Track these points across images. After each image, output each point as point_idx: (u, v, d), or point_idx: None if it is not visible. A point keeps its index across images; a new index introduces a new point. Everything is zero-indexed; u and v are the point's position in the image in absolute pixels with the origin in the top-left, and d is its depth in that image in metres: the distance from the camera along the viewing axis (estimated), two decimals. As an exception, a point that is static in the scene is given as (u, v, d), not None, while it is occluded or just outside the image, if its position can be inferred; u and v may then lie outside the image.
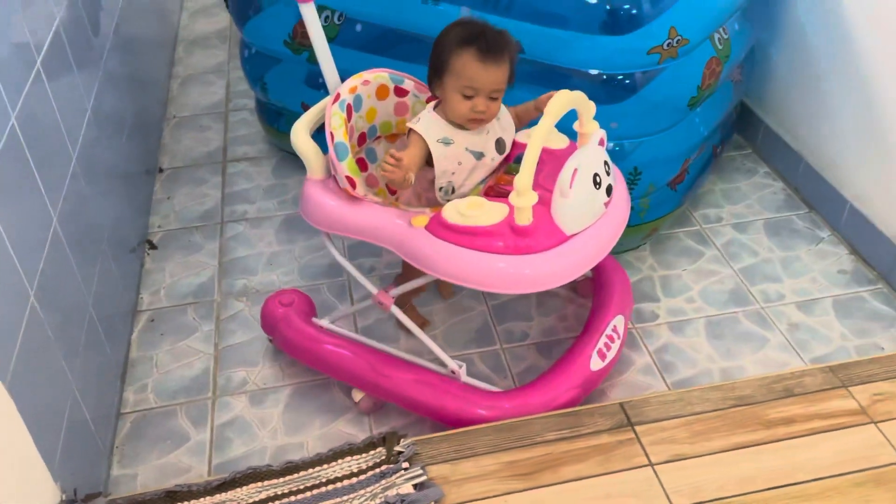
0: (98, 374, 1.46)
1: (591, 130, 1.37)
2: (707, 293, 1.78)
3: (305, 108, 1.99)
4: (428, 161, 1.37)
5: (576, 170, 1.27)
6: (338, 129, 1.36)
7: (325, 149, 1.40)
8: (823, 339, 1.66)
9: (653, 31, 1.57)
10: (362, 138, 1.50)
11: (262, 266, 1.88)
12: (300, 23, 1.84)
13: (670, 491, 1.21)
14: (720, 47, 1.73)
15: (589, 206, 1.32)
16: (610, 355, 1.49)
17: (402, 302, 1.55)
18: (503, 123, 1.43)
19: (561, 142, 1.49)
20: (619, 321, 1.53)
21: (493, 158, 1.42)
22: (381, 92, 1.49)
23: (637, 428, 1.31)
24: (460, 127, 1.37)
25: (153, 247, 1.95)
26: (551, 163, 1.40)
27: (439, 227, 1.29)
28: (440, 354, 1.44)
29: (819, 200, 1.99)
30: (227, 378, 1.61)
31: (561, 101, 1.27)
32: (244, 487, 1.21)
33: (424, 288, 1.55)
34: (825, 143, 1.95)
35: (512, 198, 1.25)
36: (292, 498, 1.20)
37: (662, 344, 1.66)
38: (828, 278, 1.80)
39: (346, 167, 1.35)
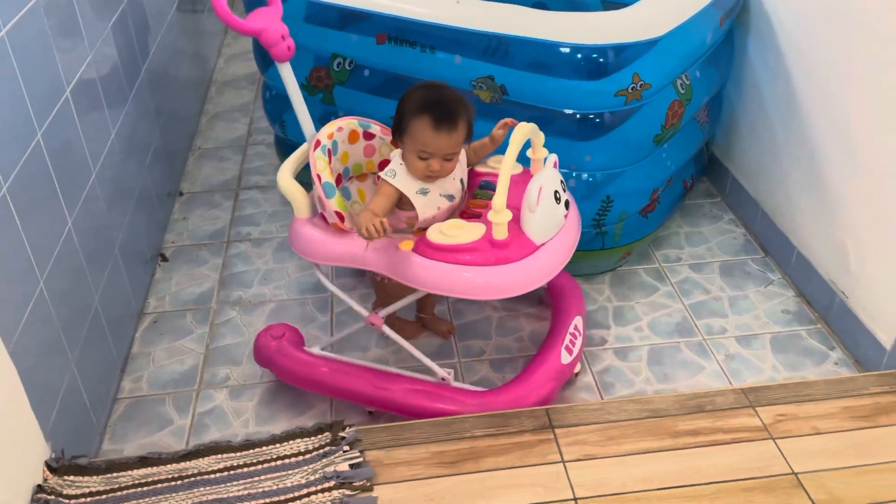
0: (99, 364, 1.68)
1: (543, 156, 1.59)
2: (655, 324, 1.93)
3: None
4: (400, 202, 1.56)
5: (541, 188, 1.47)
6: (323, 171, 1.53)
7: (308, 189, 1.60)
8: (755, 370, 1.79)
9: (619, 77, 1.78)
10: (338, 179, 1.69)
11: (257, 280, 2.11)
12: (315, 68, 2.10)
13: (576, 484, 1.36)
14: (682, 91, 1.92)
15: (552, 218, 1.52)
16: (575, 350, 1.71)
17: (387, 300, 1.68)
18: (462, 164, 1.63)
19: (515, 168, 1.69)
20: (578, 321, 1.76)
21: (460, 197, 1.62)
22: (353, 136, 1.66)
23: (557, 430, 1.47)
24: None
25: (165, 259, 2.19)
26: (512, 186, 1.61)
27: (426, 248, 1.47)
28: (429, 364, 1.63)
29: (772, 246, 2.14)
30: (213, 374, 1.82)
31: (522, 132, 1.49)
32: (206, 458, 1.40)
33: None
34: (777, 193, 2.11)
35: (490, 216, 1.45)
36: (245, 468, 1.38)
37: (605, 366, 1.81)
38: (771, 317, 1.94)
39: (335, 204, 1.51)
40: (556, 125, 1.86)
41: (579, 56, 1.78)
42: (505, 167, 1.45)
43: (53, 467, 1.35)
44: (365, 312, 1.64)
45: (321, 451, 1.41)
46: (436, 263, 1.46)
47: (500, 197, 1.43)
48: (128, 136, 2.01)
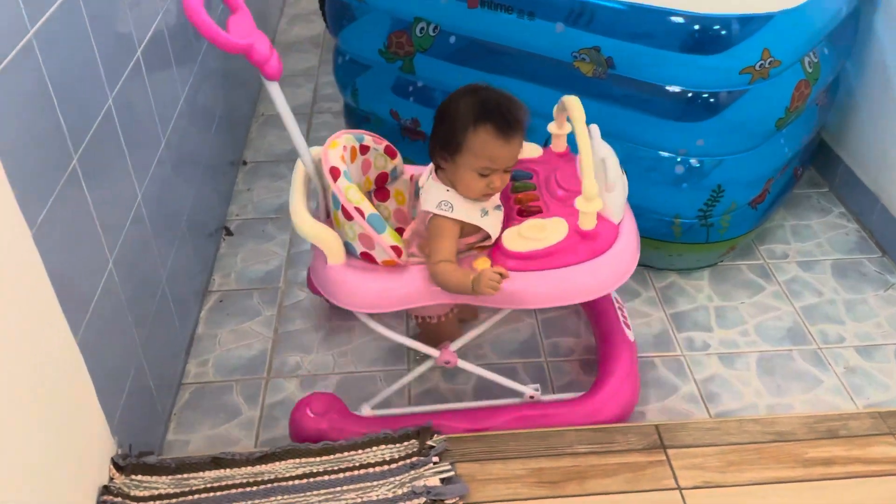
0: (165, 345, 1.57)
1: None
2: (763, 328, 1.75)
3: (394, 114, 2.11)
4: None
5: (607, 162, 1.32)
6: (363, 202, 1.27)
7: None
8: (880, 386, 1.61)
9: (745, 52, 1.58)
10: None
11: (326, 260, 1.97)
12: (395, 33, 1.94)
13: (695, 516, 1.21)
14: (810, 70, 1.72)
15: (623, 191, 1.37)
16: (630, 326, 1.62)
17: (436, 341, 1.48)
18: None
19: (534, 150, 1.53)
20: (614, 293, 1.65)
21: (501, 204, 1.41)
22: (353, 155, 1.41)
23: (669, 451, 1.31)
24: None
25: (229, 233, 2.07)
26: (544, 170, 1.47)
27: (510, 260, 1.29)
28: (515, 386, 1.49)
29: (891, 244, 1.93)
30: (282, 361, 1.69)
31: (579, 106, 1.33)
32: (282, 462, 1.28)
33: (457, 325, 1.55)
34: (903, 187, 1.90)
35: (580, 204, 1.29)
36: (325, 477, 1.26)
37: (710, 374, 1.65)
38: (894, 325, 1.75)
39: (390, 237, 1.28)
40: (658, 105, 1.67)
41: (697, 27, 1.59)
42: (584, 147, 1.29)
43: (120, 465, 1.24)
44: (435, 353, 1.44)
45: (408, 461, 1.28)
46: (524, 275, 1.29)
47: (592, 182, 1.27)
48: (195, 101, 1.88)
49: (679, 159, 1.72)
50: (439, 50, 1.89)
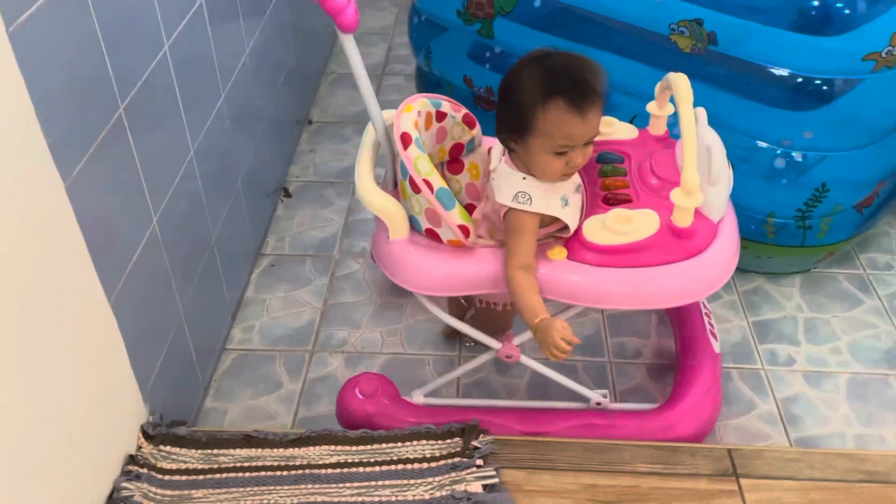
0: (210, 308, 1.50)
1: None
2: (857, 347, 1.57)
3: (468, 81, 1.98)
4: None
5: (712, 151, 1.18)
6: (432, 175, 1.16)
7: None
8: None
9: (870, 34, 1.39)
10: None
11: (385, 231, 1.88)
12: (475, -6, 1.80)
13: (766, 559, 1.07)
14: None
15: (728, 186, 1.23)
16: (717, 335, 1.47)
17: (492, 327, 1.38)
18: None
19: (629, 131, 1.38)
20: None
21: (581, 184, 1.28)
22: (428, 121, 1.27)
23: (742, 481, 1.17)
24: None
25: (288, 195, 2.00)
26: (637, 154, 1.32)
27: (589, 253, 1.17)
28: (581, 390, 1.36)
29: None
30: (329, 335, 1.61)
31: (685, 85, 1.18)
32: (316, 447, 1.20)
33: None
34: None
35: (677, 198, 1.15)
36: (360, 469, 1.17)
37: (793, 393, 1.49)
38: None
39: (459, 216, 1.16)
40: (762, 89, 1.49)
41: (816, 3, 1.40)
42: (688, 132, 1.13)
43: (150, 434, 1.19)
44: (497, 345, 1.32)
45: (450, 460, 1.18)
46: (606, 271, 1.16)
47: (693, 173, 1.12)
48: (261, 54, 1.79)
49: (780, 151, 1.54)
50: (522, 14, 1.75)
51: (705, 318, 1.49)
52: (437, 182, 1.17)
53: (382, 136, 1.30)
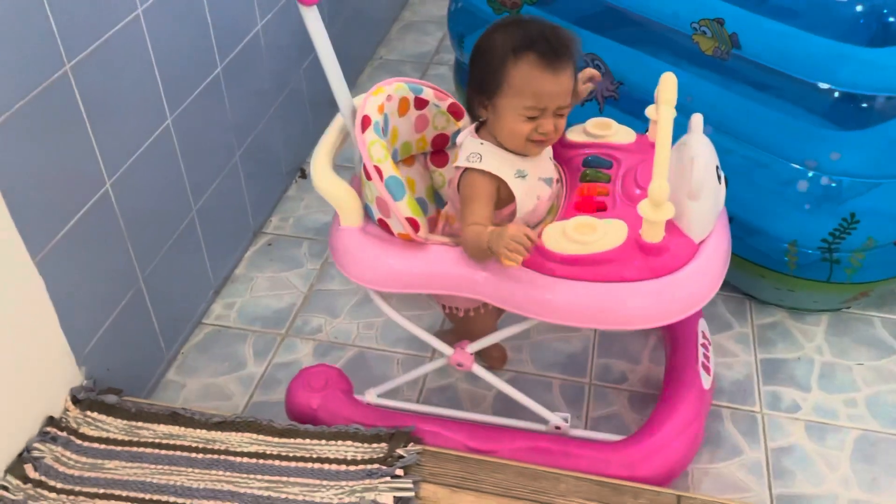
0: (184, 280, 1.49)
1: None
2: (877, 401, 1.38)
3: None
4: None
5: (695, 161, 1.04)
6: (384, 163, 1.09)
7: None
8: None
9: None
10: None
11: (389, 221, 1.82)
12: (510, -16, 1.72)
13: None
14: None
15: (716, 206, 1.09)
16: (711, 367, 1.34)
17: (469, 336, 1.26)
18: None
19: (626, 135, 1.25)
20: (703, 325, 1.39)
21: (557, 181, 1.18)
22: (403, 106, 1.20)
23: (684, 534, 1.04)
24: (520, 153, 1.13)
25: (304, 176, 1.97)
26: (627, 160, 1.20)
27: (547, 262, 1.06)
28: (540, 411, 1.26)
29: None
30: (305, 321, 1.57)
31: (672, 85, 1.06)
32: (239, 433, 1.16)
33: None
34: None
35: (645, 210, 1.03)
36: (276, 462, 1.12)
37: (788, 444, 1.32)
38: None
39: (407, 207, 1.09)
40: (791, 102, 1.33)
41: (860, 8, 1.23)
42: (662, 136, 1.00)
43: (78, 398, 1.18)
44: (449, 350, 1.23)
45: (369, 466, 1.11)
46: (563, 283, 1.05)
47: (661, 184, 0.99)
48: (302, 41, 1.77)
49: (811, 174, 1.37)
50: (560, 7, 1.63)
51: (700, 349, 1.35)
52: (389, 170, 1.10)
53: (349, 120, 1.23)
